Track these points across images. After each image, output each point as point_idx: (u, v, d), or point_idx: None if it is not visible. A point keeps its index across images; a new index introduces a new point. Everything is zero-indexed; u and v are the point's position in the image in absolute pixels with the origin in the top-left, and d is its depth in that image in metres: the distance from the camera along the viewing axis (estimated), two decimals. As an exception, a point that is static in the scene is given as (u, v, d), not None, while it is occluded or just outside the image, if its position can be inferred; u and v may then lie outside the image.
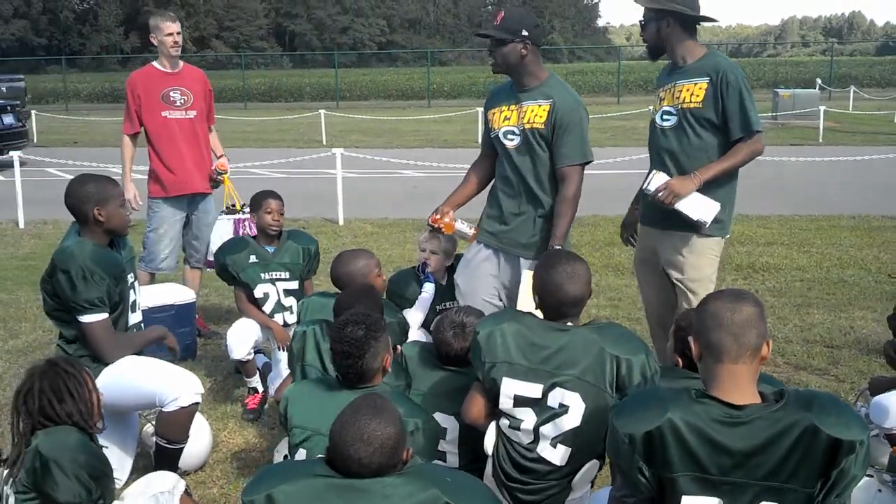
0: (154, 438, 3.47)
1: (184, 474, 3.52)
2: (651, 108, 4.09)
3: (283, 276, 4.52)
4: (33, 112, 22.04)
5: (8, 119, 15.25)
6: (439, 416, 3.04)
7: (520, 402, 2.80)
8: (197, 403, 3.41)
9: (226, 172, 5.72)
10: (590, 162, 3.81)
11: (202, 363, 5.20)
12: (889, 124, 21.52)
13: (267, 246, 4.55)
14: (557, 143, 3.73)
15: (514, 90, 3.84)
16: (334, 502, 2.09)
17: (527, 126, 3.76)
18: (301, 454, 2.71)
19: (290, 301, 4.51)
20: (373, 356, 2.67)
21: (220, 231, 5.51)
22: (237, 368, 4.75)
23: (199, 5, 68.99)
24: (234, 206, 5.67)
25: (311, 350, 3.34)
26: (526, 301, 3.57)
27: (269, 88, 39.00)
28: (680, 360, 2.93)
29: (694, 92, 3.75)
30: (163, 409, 3.35)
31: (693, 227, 3.74)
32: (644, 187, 3.78)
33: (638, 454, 2.07)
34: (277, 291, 4.51)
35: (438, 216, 3.95)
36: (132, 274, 3.64)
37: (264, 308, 4.49)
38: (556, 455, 2.80)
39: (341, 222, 9.85)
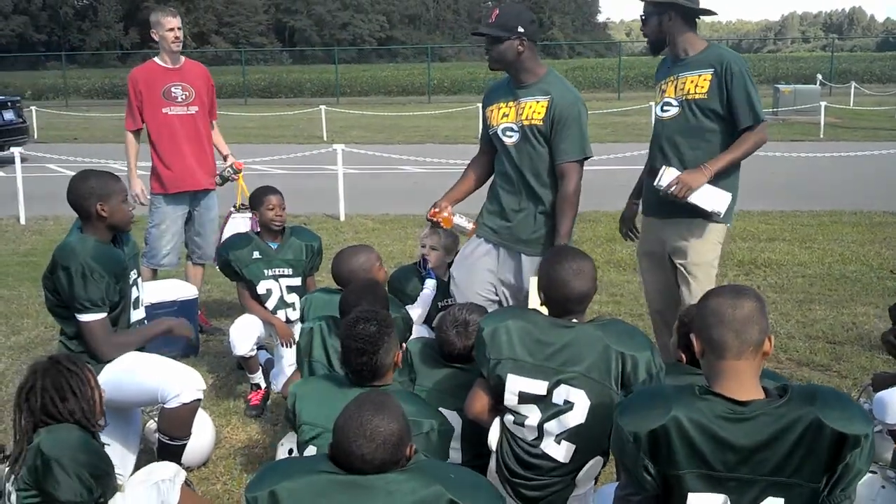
0: (157, 435, 3.47)
1: (187, 470, 3.52)
2: (653, 104, 4.09)
3: (286, 273, 4.51)
4: (34, 108, 22.03)
5: (8, 115, 15.23)
6: (442, 412, 3.04)
7: (524, 398, 2.80)
8: (199, 399, 3.41)
9: (241, 172, 5.74)
10: (589, 157, 3.81)
11: (204, 359, 5.20)
12: (890, 120, 21.50)
13: (270, 242, 4.55)
14: (556, 139, 3.72)
15: (512, 87, 3.83)
16: (337, 498, 2.08)
17: (525, 122, 3.75)
18: (311, 451, 2.71)
19: (293, 297, 4.50)
20: (386, 352, 2.68)
21: (236, 229, 5.48)
22: (240, 365, 4.76)
23: (199, 1, 68.87)
24: (245, 204, 5.66)
25: (318, 346, 3.34)
26: (535, 304, 3.58)
27: (269, 84, 38.95)
28: (683, 356, 2.93)
29: (698, 83, 3.78)
30: (164, 406, 3.34)
31: (700, 214, 3.78)
32: (656, 183, 3.79)
33: (643, 452, 2.07)
34: (280, 288, 4.50)
35: (437, 210, 3.95)
36: (135, 270, 3.63)
37: (267, 304, 4.49)
38: (560, 452, 2.80)
39: (342, 218, 9.85)
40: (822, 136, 18.11)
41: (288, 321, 4.48)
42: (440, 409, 3.03)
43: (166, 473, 3.02)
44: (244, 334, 4.35)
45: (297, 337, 4.06)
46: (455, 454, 3.13)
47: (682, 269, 3.92)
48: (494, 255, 3.94)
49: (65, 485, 2.59)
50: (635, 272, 6.90)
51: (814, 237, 8.46)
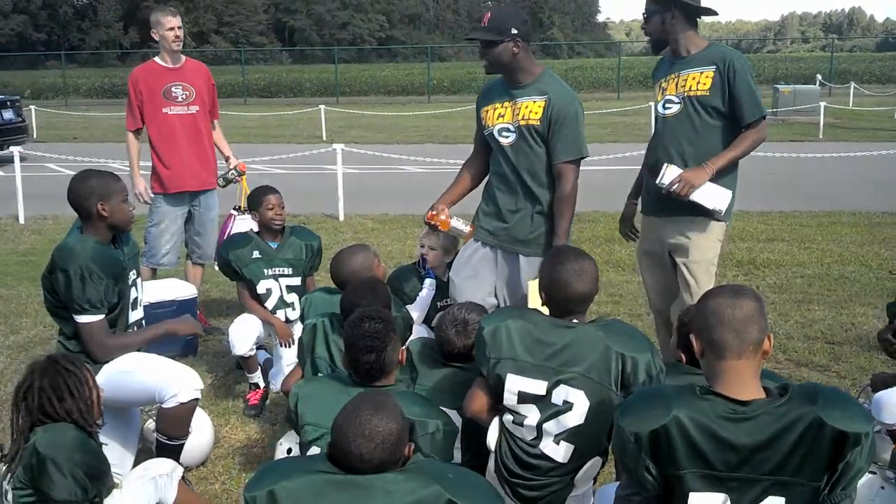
0: (155, 434, 3.47)
1: (186, 470, 3.52)
2: (652, 104, 4.10)
3: (286, 273, 4.51)
4: (33, 107, 22.02)
5: (8, 114, 15.22)
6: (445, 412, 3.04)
7: (524, 398, 2.79)
8: (196, 399, 3.40)
9: (245, 174, 5.74)
10: (585, 157, 3.81)
11: (203, 359, 5.20)
12: (889, 120, 21.51)
13: (270, 242, 4.55)
14: (553, 138, 3.72)
15: (507, 87, 3.82)
16: (336, 498, 2.08)
17: (522, 122, 3.75)
18: (314, 451, 2.71)
19: (293, 297, 4.50)
20: (393, 348, 2.71)
21: (242, 230, 5.47)
22: (238, 364, 4.76)
23: (199, 0, 68.85)
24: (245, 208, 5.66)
25: (320, 343, 3.34)
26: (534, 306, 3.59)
27: (269, 84, 38.93)
28: (683, 356, 2.94)
29: (700, 80, 3.79)
30: (162, 406, 3.34)
31: (701, 212, 3.80)
32: (658, 181, 3.79)
33: (644, 453, 2.07)
34: (280, 287, 4.50)
35: (434, 213, 3.95)
36: (135, 270, 3.62)
37: (267, 304, 4.48)
38: (559, 452, 2.79)
39: (342, 218, 9.85)
40: (821, 136, 18.11)
41: (287, 321, 4.48)
42: (440, 408, 3.04)
43: (163, 469, 3.03)
44: (244, 334, 4.35)
45: (296, 337, 4.06)
46: (455, 453, 3.13)
47: (682, 267, 3.93)
48: (493, 258, 3.94)
49: (59, 484, 2.60)
50: (634, 272, 6.90)
51: (813, 237, 8.46)
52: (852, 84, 28.88)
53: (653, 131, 4.17)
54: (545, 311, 2.96)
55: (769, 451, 2.02)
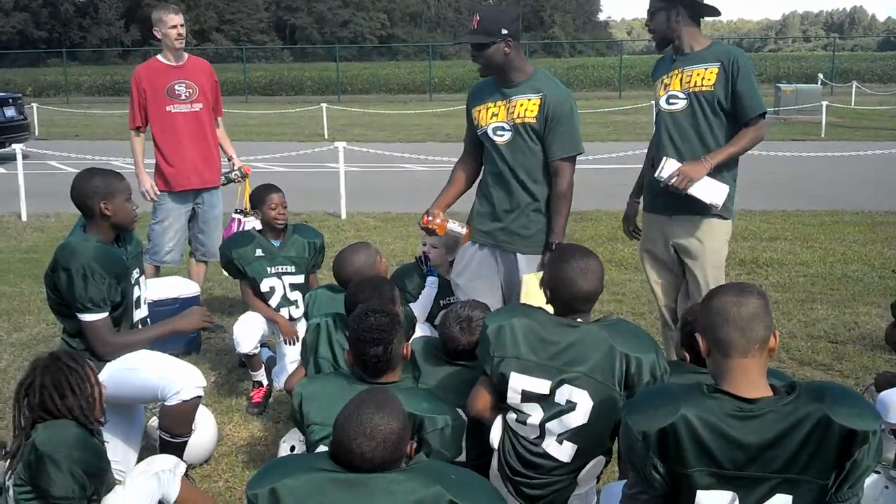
0: (158, 432, 3.47)
1: (189, 468, 3.52)
2: (653, 102, 4.10)
3: (289, 270, 4.51)
4: (35, 105, 22.02)
5: (9, 112, 15.22)
6: None
7: (527, 397, 2.79)
8: (199, 397, 3.40)
9: (248, 176, 5.74)
10: (581, 153, 3.82)
11: (206, 357, 5.20)
12: (891, 120, 21.48)
13: (273, 240, 4.54)
14: (550, 136, 3.73)
15: (499, 86, 3.82)
16: (337, 496, 2.08)
17: (517, 121, 3.75)
18: (321, 450, 2.70)
19: (296, 295, 4.50)
20: (398, 342, 2.72)
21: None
22: (241, 362, 4.76)
23: (200, -2, 68.87)
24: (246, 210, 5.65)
25: (324, 343, 3.33)
26: (528, 300, 3.58)
27: (271, 82, 38.93)
28: (687, 355, 2.93)
29: (705, 76, 3.81)
30: (165, 403, 3.33)
31: (702, 210, 3.81)
32: (657, 175, 3.80)
33: (652, 451, 2.07)
34: (283, 285, 4.50)
35: (430, 218, 3.95)
36: (138, 269, 3.62)
37: (270, 302, 4.48)
38: (562, 452, 2.79)
39: (344, 216, 9.85)
40: (823, 135, 18.10)
41: (291, 319, 4.48)
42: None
43: (166, 465, 3.04)
44: (248, 332, 4.35)
45: (300, 334, 4.06)
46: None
47: (695, 270, 3.95)
48: (492, 259, 3.94)
49: (58, 481, 2.59)
50: (637, 271, 6.90)
51: (815, 237, 8.46)
52: (854, 83, 28.87)
53: (654, 129, 4.16)
54: (542, 306, 2.96)
55: (777, 450, 2.02)
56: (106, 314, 3.34)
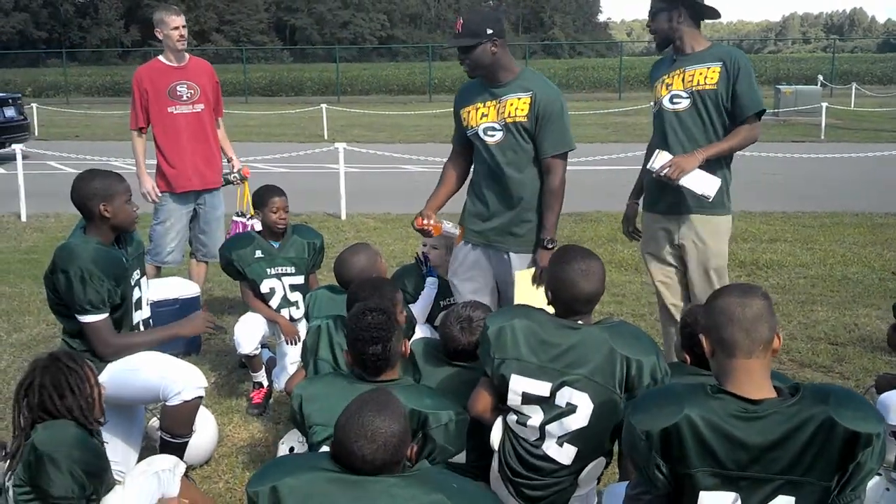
0: (159, 433, 3.47)
1: (189, 468, 3.52)
2: (653, 102, 4.11)
3: (288, 271, 4.50)
4: (34, 105, 22.01)
5: (9, 112, 15.22)
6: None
7: (528, 399, 2.78)
8: (200, 397, 3.40)
9: (247, 179, 5.74)
10: (573, 150, 3.83)
11: (207, 357, 5.20)
12: (891, 121, 21.49)
13: (272, 241, 4.54)
14: (541, 134, 3.73)
15: (487, 86, 3.81)
16: (338, 497, 2.08)
17: (508, 120, 3.75)
18: (323, 451, 2.70)
19: (296, 296, 4.50)
20: (397, 339, 2.73)
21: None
22: (242, 363, 4.75)
23: (200, -1, 68.91)
24: (246, 212, 5.65)
25: (324, 345, 3.33)
26: (520, 300, 3.59)
27: (270, 83, 38.96)
28: (688, 357, 2.93)
29: (707, 75, 3.84)
30: (166, 403, 3.33)
31: (702, 206, 3.84)
32: (649, 166, 3.85)
33: (655, 451, 2.07)
34: (283, 286, 4.49)
35: (424, 220, 3.94)
36: (139, 270, 3.61)
37: (270, 303, 4.48)
38: (562, 454, 2.78)
39: (344, 217, 9.84)
40: (823, 137, 18.10)
41: (292, 319, 4.48)
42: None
43: (166, 464, 3.03)
44: (249, 332, 4.34)
45: (301, 334, 4.05)
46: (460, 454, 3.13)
47: (695, 268, 3.96)
48: (485, 259, 3.95)
49: (57, 481, 2.59)
50: (637, 272, 6.91)
51: (815, 238, 8.45)
52: (854, 85, 28.90)
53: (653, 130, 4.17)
54: (538, 304, 2.96)
55: (780, 451, 2.02)
56: (106, 315, 3.33)
